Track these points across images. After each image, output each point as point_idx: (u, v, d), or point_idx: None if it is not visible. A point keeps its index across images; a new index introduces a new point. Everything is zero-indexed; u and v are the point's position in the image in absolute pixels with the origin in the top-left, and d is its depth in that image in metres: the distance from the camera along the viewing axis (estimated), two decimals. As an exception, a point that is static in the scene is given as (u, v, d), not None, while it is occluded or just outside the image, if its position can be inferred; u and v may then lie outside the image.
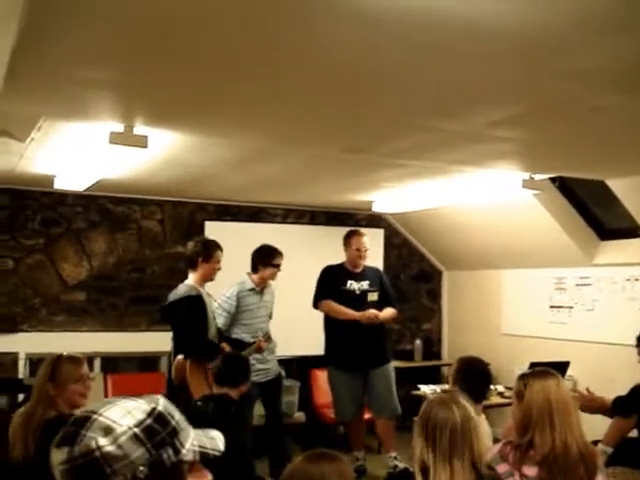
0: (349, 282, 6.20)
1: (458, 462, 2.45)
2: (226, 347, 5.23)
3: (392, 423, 6.24)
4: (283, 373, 6.42)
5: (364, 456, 6.34)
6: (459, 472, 2.44)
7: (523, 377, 3.02)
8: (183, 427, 1.42)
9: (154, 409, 1.39)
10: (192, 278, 5.28)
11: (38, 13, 2.37)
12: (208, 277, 5.35)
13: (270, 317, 6.10)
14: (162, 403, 1.42)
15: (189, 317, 5.07)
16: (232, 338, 5.62)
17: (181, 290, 5.21)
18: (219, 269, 5.39)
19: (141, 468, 1.32)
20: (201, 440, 1.45)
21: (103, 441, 1.32)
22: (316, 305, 6.24)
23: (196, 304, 5.13)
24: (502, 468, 2.81)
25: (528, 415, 2.86)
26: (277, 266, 5.90)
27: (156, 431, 1.36)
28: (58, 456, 1.33)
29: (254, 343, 5.51)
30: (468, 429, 2.51)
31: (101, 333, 7.17)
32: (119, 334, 7.23)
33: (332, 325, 6.20)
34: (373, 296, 6.22)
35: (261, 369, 5.82)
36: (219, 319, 5.71)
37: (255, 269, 5.92)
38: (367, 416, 6.38)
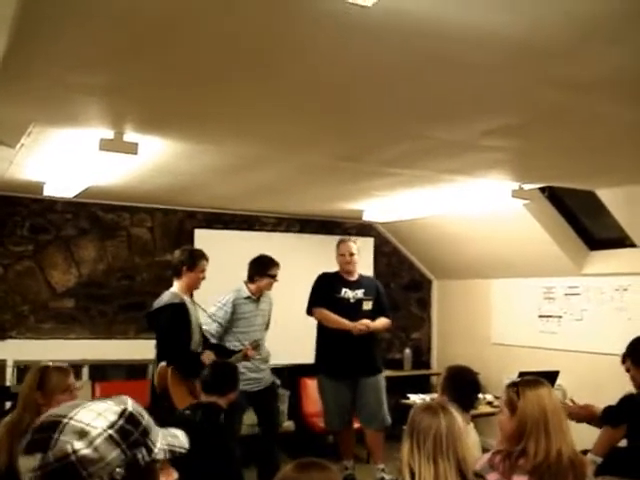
0: (344, 290, 6.18)
1: (442, 463, 2.45)
2: (210, 355, 5.19)
3: (381, 434, 6.20)
4: (278, 382, 6.40)
5: (353, 465, 6.31)
6: (443, 473, 2.44)
7: (514, 386, 3.01)
8: (152, 427, 1.42)
9: (125, 410, 1.38)
10: (176, 286, 5.30)
11: (29, 18, 2.37)
12: (192, 286, 5.38)
13: (267, 326, 6.08)
14: (131, 404, 1.42)
15: (172, 324, 5.08)
16: (219, 345, 5.60)
17: (165, 298, 5.23)
18: (203, 278, 5.40)
19: (117, 470, 1.31)
20: (167, 439, 1.45)
21: (78, 444, 1.30)
22: (310, 312, 6.22)
23: (179, 312, 5.13)
24: (492, 477, 2.81)
25: (522, 424, 2.85)
26: (273, 276, 5.90)
27: (129, 432, 1.35)
28: (29, 463, 1.31)
29: (240, 351, 5.48)
30: (453, 435, 2.51)
31: (89, 340, 7.14)
32: (107, 342, 7.20)
33: (323, 333, 6.19)
34: (368, 305, 6.20)
35: (253, 378, 5.81)
36: (212, 326, 5.71)
37: (251, 279, 5.91)
38: (357, 425, 6.35)
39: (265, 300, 6.04)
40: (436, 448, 2.47)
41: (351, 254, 6.21)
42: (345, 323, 6.02)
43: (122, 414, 1.37)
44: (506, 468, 2.80)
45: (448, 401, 3.64)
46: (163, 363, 5.00)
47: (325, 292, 6.20)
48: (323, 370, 6.23)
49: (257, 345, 5.60)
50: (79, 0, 2.30)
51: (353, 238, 6.50)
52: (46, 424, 1.34)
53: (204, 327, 5.71)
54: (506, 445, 2.92)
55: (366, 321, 6.03)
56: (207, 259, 5.39)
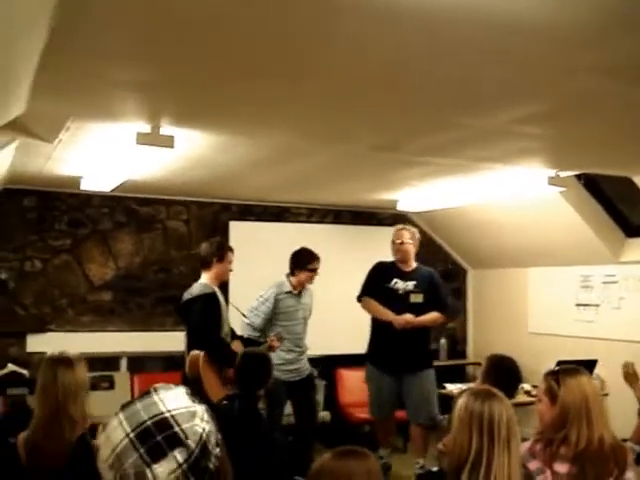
0: (395, 280, 6.03)
1: (515, 449, 2.44)
2: (239, 345, 5.26)
3: (425, 430, 6.05)
4: (315, 373, 6.42)
5: (389, 454, 6.28)
6: (515, 460, 2.44)
7: (553, 374, 3.00)
8: None
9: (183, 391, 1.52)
10: (206, 277, 5.36)
11: (68, 12, 2.40)
12: (222, 276, 5.45)
13: (307, 319, 6.11)
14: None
15: (206, 314, 5.14)
16: (244, 338, 5.64)
17: (196, 289, 5.29)
18: (231, 270, 5.50)
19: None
20: None
21: (202, 424, 1.42)
22: (359, 300, 6.15)
23: (212, 301, 5.20)
24: (533, 465, 2.80)
25: (564, 412, 2.84)
26: (314, 270, 5.92)
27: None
28: (167, 466, 1.37)
29: (266, 342, 5.52)
30: (515, 421, 2.51)
31: (127, 333, 7.23)
32: (145, 334, 7.29)
33: (375, 324, 6.12)
34: (417, 297, 6.01)
35: (292, 369, 5.88)
36: (256, 319, 5.78)
37: (293, 272, 5.95)
38: (399, 416, 6.30)
39: (307, 294, 6.07)
40: (510, 435, 2.46)
41: (401, 242, 6.05)
42: (388, 315, 5.91)
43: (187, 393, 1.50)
44: (547, 456, 2.80)
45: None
46: (195, 352, 5.05)
47: (376, 282, 6.10)
48: (370, 359, 6.16)
49: (281, 337, 5.62)
50: (117, -5, 2.33)
51: (408, 226, 6.31)
52: (154, 426, 1.39)
53: (246, 321, 5.80)
54: (546, 433, 2.91)
55: (409, 316, 5.86)
56: (233, 251, 5.49)
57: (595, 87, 3.33)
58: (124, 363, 7.13)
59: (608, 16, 2.45)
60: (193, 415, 1.40)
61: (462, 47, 2.81)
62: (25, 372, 6.32)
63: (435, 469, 5.74)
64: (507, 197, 6.69)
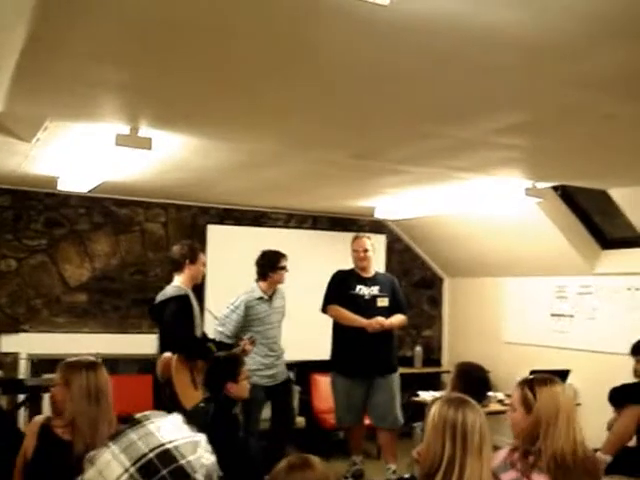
0: (358, 287, 6.13)
1: (486, 456, 2.46)
2: (212, 347, 5.25)
3: (393, 434, 6.15)
4: (292, 378, 6.41)
5: (362, 460, 6.31)
6: (487, 467, 2.45)
7: (527, 384, 3.00)
8: None
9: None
10: (179, 280, 5.36)
11: (47, 14, 2.39)
12: (195, 278, 5.45)
13: (281, 321, 6.12)
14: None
15: (178, 315, 5.14)
16: (216, 341, 5.62)
17: (169, 291, 5.30)
18: (204, 271, 5.55)
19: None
20: None
21: (206, 455, 1.40)
22: (324, 309, 6.20)
23: (184, 303, 5.20)
24: (509, 475, 2.80)
25: (539, 422, 2.85)
26: (284, 268, 5.94)
27: None
28: None
29: (238, 346, 5.51)
30: (487, 428, 2.52)
31: (102, 335, 7.18)
32: (120, 336, 7.24)
33: (338, 330, 6.17)
34: (383, 301, 6.13)
35: (269, 374, 5.87)
36: (228, 327, 5.79)
37: (264, 276, 5.94)
38: (368, 422, 6.34)
39: (278, 297, 6.07)
40: (482, 442, 2.47)
41: (365, 250, 6.17)
42: (359, 320, 5.97)
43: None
44: (525, 466, 2.80)
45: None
46: (167, 354, 5.04)
47: (340, 289, 6.17)
48: (336, 367, 6.21)
49: (254, 340, 5.62)
50: (97, -3, 2.33)
51: (367, 234, 6.48)
52: (157, 460, 1.32)
53: (218, 329, 5.81)
54: (521, 443, 2.92)
55: (381, 319, 5.97)
56: (204, 253, 5.57)
57: (574, 99, 3.36)
58: (98, 365, 7.07)
59: (588, 29, 2.48)
60: (196, 446, 1.34)
61: (443, 58, 2.83)
62: (-1, 372, 6.27)
63: (407, 476, 5.76)
64: (485, 207, 6.74)
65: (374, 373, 6.06)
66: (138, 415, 1.42)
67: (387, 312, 6.09)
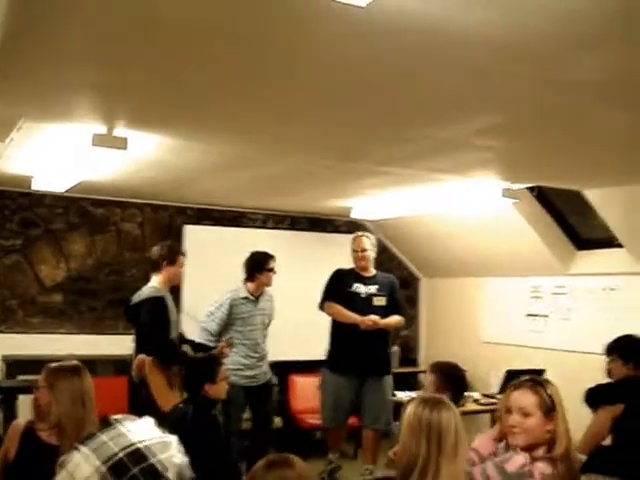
0: (356, 285, 6.07)
1: (461, 457, 2.47)
2: (188, 350, 5.24)
3: (378, 436, 6.07)
4: (274, 380, 6.39)
5: (338, 458, 6.25)
6: (461, 468, 2.46)
7: (541, 386, 2.97)
8: None
9: None
10: (156, 280, 5.33)
11: (21, 15, 2.37)
12: (173, 279, 5.43)
13: (268, 324, 6.10)
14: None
15: (153, 317, 5.11)
16: (195, 343, 5.61)
17: (145, 292, 5.27)
18: (182, 273, 5.52)
19: None
20: None
21: (179, 455, 1.41)
22: (322, 307, 6.13)
23: (160, 305, 5.18)
24: None
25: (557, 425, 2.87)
26: (271, 270, 5.92)
27: None
28: None
29: (216, 348, 5.49)
30: (462, 429, 2.54)
31: (78, 335, 7.14)
32: (96, 337, 7.20)
33: (335, 328, 6.10)
34: (380, 300, 6.06)
35: (250, 375, 5.85)
36: (212, 324, 5.77)
37: (252, 277, 5.92)
38: (351, 423, 6.30)
39: (265, 299, 6.05)
40: (457, 442, 2.48)
41: (363, 250, 6.09)
42: (354, 317, 5.90)
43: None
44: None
45: (449, 398, 3.67)
46: (141, 355, 5.02)
47: (337, 287, 6.10)
48: (329, 364, 6.12)
49: (232, 342, 5.60)
50: (72, -3, 2.31)
51: (366, 233, 6.35)
52: (128, 459, 1.32)
53: (202, 325, 5.80)
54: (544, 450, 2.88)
55: (374, 317, 5.89)
56: (185, 255, 5.50)
57: (550, 101, 3.40)
58: (74, 366, 7.02)
59: (563, 30, 2.49)
60: (167, 446, 1.35)
61: (423, 60, 2.85)
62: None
63: (380, 476, 5.77)
64: (461, 208, 6.77)
65: (366, 372, 5.99)
66: (110, 417, 1.41)
67: (384, 311, 6.01)
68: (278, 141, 4.63)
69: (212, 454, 3.80)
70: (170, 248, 5.45)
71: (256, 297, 5.96)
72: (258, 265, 5.90)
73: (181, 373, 4.42)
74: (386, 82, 3.18)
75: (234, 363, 5.67)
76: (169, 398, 4.77)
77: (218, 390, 4.27)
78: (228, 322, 5.82)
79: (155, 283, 5.31)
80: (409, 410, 2.58)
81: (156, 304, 5.15)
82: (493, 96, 3.37)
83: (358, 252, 6.11)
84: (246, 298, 5.91)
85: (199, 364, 4.43)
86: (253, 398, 5.93)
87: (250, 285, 5.94)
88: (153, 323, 5.10)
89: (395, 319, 6.11)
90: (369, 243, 6.14)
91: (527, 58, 2.80)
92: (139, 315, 5.18)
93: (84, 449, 1.33)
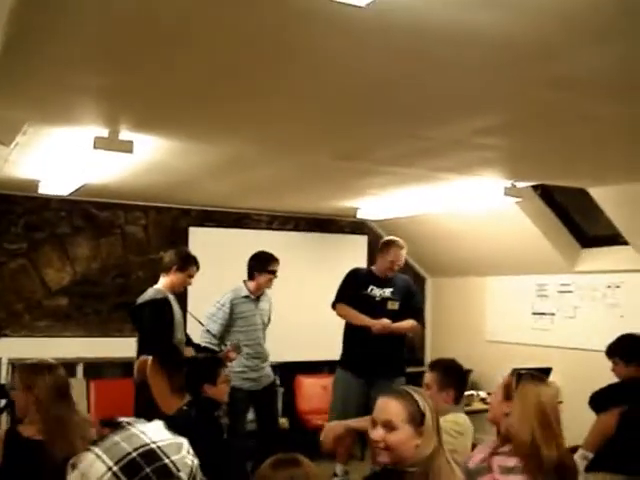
0: (371, 287, 5.93)
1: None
2: (190, 351, 5.22)
3: None
4: (278, 381, 6.38)
5: (344, 471, 6.05)
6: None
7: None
8: None
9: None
10: (161, 283, 5.32)
11: (24, 18, 2.38)
12: (177, 286, 5.36)
13: (266, 325, 6.06)
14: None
15: (155, 319, 5.10)
16: (201, 347, 5.58)
17: (148, 294, 5.27)
18: (189, 283, 5.43)
19: None
20: None
21: (189, 456, 1.40)
22: (334, 306, 6.05)
23: (162, 307, 5.16)
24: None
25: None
26: (273, 272, 5.86)
27: None
28: None
29: (222, 351, 5.48)
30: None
31: (84, 338, 7.15)
32: (102, 340, 7.21)
33: (349, 330, 6.01)
34: (393, 305, 5.91)
35: (252, 377, 5.83)
36: (213, 326, 5.74)
37: (251, 276, 5.88)
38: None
39: (265, 299, 6.03)
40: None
41: (399, 264, 5.95)
42: (365, 320, 5.79)
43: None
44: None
45: (453, 395, 3.68)
46: (143, 357, 5.00)
47: (351, 288, 5.99)
48: (342, 364, 6.04)
49: (238, 346, 5.57)
50: (74, 1, 2.32)
51: (402, 242, 6.02)
52: (141, 458, 1.33)
53: (205, 327, 5.76)
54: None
55: (386, 321, 5.75)
56: (198, 267, 5.38)
57: (552, 99, 3.39)
58: (80, 369, 7.03)
59: (567, 29, 2.49)
60: (180, 447, 1.35)
61: (424, 60, 2.85)
62: (-20, 377, 6.23)
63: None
64: (465, 207, 6.76)
65: (376, 375, 5.83)
66: (121, 419, 1.42)
67: (397, 316, 5.87)
68: (282, 142, 4.63)
69: (216, 456, 3.79)
70: (184, 255, 5.40)
71: (256, 297, 5.93)
72: (259, 265, 5.85)
73: (182, 375, 4.40)
74: (388, 82, 3.18)
75: (238, 365, 5.66)
76: (170, 401, 4.76)
77: (218, 392, 4.23)
78: (230, 323, 5.79)
79: (160, 285, 5.31)
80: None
81: (158, 306, 5.14)
82: (495, 95, 3.36)
83: (394, 264, 5.93)
84: (247, 297, 5.87)
85: (200, 364, 4.42)
86: (257, 401, 5.91)
87: (250, 284, 5.90)
88: (155, 325, 5.09)
89: (408, 323, 5.93)
90: (404, 254, 5.99)
91: (526, 56, 2.80)
92: (142, 316, 5.19)
93: (96, 449, 1.34)
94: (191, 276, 5.37)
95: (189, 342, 5.48)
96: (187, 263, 5.33)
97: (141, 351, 5.11)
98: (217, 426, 4.20)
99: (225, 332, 5.80)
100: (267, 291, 6.05)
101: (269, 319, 6.13)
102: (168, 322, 5.16)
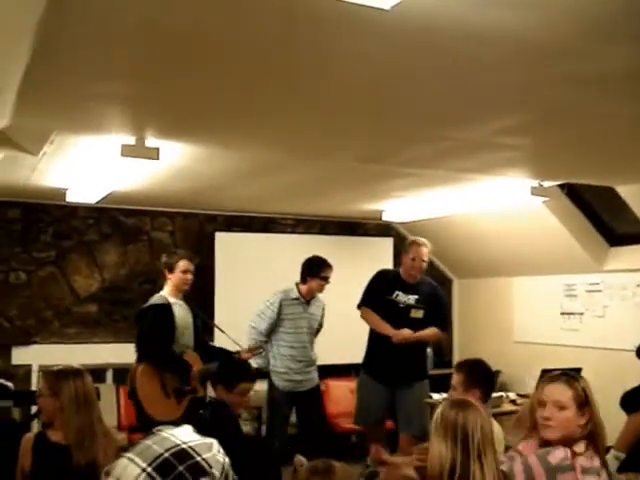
0: (396, 292, 5.81)
1: (487, 459, 2.47)
2: (191, 356, 5.16)
3: (413, 441, 5.92)
4: (322, 386, 6.38)
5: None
6: (488, 469, 2.46)
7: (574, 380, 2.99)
8: None
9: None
10: (165, 289, 5.32)
11: (52, 29, 2.41)
12: (178, 287, 5.30)
13: (318, 330, 6.08)
14: None
15: (152, 324, 5.06)
16: (217, 348, 5.56)
17: (151, 300, 5.28)
18: (188, 280, 5.30)
19: None
20: None
21: (220, 454, 1.47)
22: (359, 307, 5.98)
23: (161, 313, 5.12)
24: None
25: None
26: (325, 278, 5.85)
27: None
28: None
29: (238, 352, 5.40)
30: (490, 431, 2.54)
31: (113, 344, 7.19)
32: (131, 345, 7.22)
33: (372, 334, 5.96)
34: (417, 313, 5.78)
35: (295, 380, 5.87)
36: (261, 323, 5.79)
37: (303, 279, 5.89)
38: (388, 426, 6.25)
39: (316, 304, 6.01)
40: (484, 444, 2.48)
41: (422, 260, 5.78)
42: (386, 329, 5.73)
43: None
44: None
45: (479, 396, 3.67)
46: (135, 364, 5.01)
47: (377, 292, 5.90)
48: (365, 368, 6.02)
49: (256, 348, 5.55)
50: (101, 11, 2.34)
51: (426, 241, 5.90)
52: (173, 458, 1.36)
53: (252, 324, 5.80)
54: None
55: (407, 332, 5.66)
56: (190, 260, 5.31)
57: (575, 98, 3.37)
58: (110, 375, 7.10)
59: (587, 27, 2.48)
60: (210, 446, 1.40)
61: (447, 61, 2.84)
62: (10, 385, 6.28)
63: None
64: (491, 207, 6.73)
65: (398, 381, 5.83)
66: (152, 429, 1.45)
67: (420, 324, 5.77)
68: (307, 146, 4.64)
69: (236, 456, 3.78)
70: (168, 257, 5.38)
71: (307, 300, 5.93)
72: (311, 270, 5.85)
73: (176, 378, 4.37)
74: (411, 83, 3.18)
75: (282, 366, 5.74)
76: (161, 406, 4.74)
77: (231, 400, 4.12)
78: (277, 322, 5.81)
79: (164, 292, 5.30)
80: (437, 413, 2.60)
81: (156, 312, 5.12)
82: (520, 94, 3.35)
83: (416, 261, 5.78)
84: (297, 299, 5.88)
85: (229, 363, 4.40)
86: (299, 403, 5.94)
87: (302, 287, 5.91)
88: (149, 330, 5.05)
89: (429, 332, 5.81)
90: (426, 252, 5.84)
91: (551, 56, 2.79)
92: (140, 322, 5.19)
93: (129, 454, 1.37)
94: (185, 271, 5.26)
95: (204, 346, 5.44)
96: (174, 261, 5.26)
97: (138, 358, 5.10)
98: (233, 426, 4.10)
99: (272, 331, 5.83)
100: (320, 297, 6.03)
101: (321, 325, 6.12)
102: (167, 327, 5.10)
